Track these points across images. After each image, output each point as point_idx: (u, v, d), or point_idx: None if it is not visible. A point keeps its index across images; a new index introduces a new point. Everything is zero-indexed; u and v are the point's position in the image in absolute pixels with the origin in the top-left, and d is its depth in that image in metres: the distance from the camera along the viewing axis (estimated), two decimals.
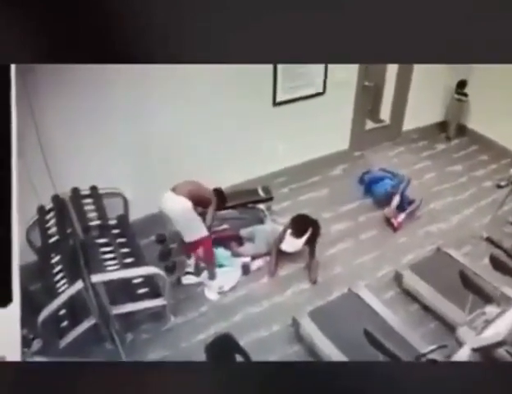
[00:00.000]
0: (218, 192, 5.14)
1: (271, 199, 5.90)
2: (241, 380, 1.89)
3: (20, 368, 2.03)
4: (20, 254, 2.30)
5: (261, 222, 5.72)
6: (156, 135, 5.19)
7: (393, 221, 5.82)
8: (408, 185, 6.10)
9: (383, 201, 6.12)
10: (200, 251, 4.97)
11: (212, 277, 5.03)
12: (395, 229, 5.81)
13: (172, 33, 1.86)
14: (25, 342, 3.59)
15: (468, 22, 1.83)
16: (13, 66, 2.28)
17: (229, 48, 1.92)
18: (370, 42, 1.92)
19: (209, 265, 5.03)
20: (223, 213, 5.50)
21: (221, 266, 5.16)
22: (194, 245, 4.89)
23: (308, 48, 1.95)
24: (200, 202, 4.85)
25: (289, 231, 5.11)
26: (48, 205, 4.62)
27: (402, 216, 5.86)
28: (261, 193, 5.83)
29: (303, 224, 5.12)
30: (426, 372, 2.04)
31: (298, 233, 5.07)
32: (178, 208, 4.60)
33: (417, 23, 1.86)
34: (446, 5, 1.82)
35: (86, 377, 1.84)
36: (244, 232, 5.49)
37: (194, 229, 4.74)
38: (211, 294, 4.93)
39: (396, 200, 5.92)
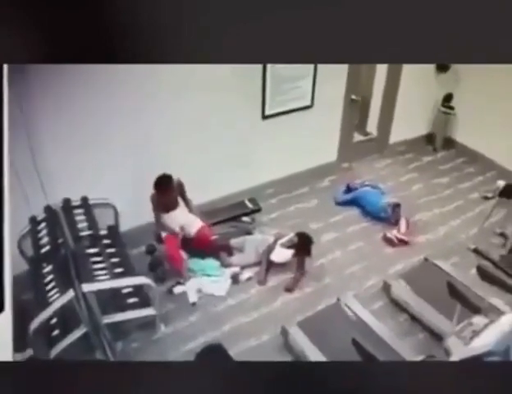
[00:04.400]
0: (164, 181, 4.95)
1: (259, 210, 5.95)
2: (234, 379, 1.90)
3: (15, 367, 2.03)
4: (12, 264, 2.32)
5: (249, 233, 5.75)
6: (146, 147, 5.22)
7: (392, 237, 5.86)
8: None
9: (380, 216, 6.20)
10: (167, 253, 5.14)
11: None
12: (394, 244, 5.84)
13: (171, 33, 1.88)
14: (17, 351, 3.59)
15: (466, 21, 1.86)
16: (5, 69, 2.28)
17: (226, 48, 1.93)
18: (363, 41, 1.93)
19: (177, 271, 5.13)
20: (214, 228, 5.54)
21: (210, 276, 5.18)
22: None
23: (307, 48, 1.96)
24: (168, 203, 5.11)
25: (279, 241, 5.16)
26: (40, 216, 4.65)
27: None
28: (248, 204, 5.88)
29: (306, 242, 5.20)
30: (422, 372, 2.05)
31: (300, 250, 5.18)
32: None
33: (410, 21, 1.88)
34: (442, 4, 1.85)
35: (80, 377, 1.85)
36: (234, 242, 5.51)
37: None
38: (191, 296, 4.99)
39: (404, 224, 5.97)
